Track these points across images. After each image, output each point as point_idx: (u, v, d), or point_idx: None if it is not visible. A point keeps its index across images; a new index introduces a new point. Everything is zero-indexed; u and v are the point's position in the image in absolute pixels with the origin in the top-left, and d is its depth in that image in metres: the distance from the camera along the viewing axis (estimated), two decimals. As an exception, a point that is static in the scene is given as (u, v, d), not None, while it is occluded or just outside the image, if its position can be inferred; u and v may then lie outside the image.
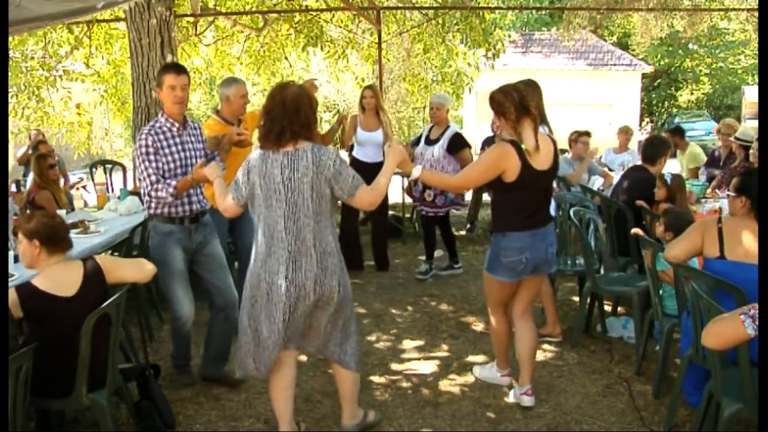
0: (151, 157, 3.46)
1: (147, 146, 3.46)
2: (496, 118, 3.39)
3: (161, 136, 3.52)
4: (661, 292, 3.65)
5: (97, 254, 3.58)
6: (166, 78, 3.51)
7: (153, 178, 3.44)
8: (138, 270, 3.08)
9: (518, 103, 3.19)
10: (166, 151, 3.52)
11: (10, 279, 3.32)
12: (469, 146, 5.74)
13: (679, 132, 7.59)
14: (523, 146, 3.20)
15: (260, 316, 2.86)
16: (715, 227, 2.99)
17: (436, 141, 5.64)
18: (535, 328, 3.58)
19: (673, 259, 3.13)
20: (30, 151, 7.80)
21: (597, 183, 6.67)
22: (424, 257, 6.09)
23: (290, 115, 2.79)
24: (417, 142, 5.96)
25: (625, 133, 7.90)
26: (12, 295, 2.74)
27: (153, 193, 3.46)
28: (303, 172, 2.77)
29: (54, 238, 2.84)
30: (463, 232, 7.78)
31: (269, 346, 2.88)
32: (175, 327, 3.73)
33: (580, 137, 6.63)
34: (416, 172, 3.30)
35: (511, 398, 3.60)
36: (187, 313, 3.64)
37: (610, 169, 7.33)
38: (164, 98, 3.57)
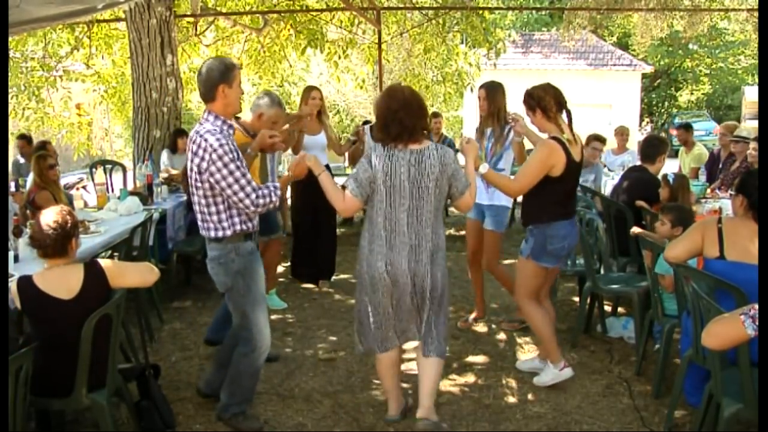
0: (238, 163, 2.93)
1: (231, 151, 2.91)
2: (530, 113, 3.55)
3: (231, 139, 3.04)
4: (660, 290, 3.65)
5: (98, 255, 3.59)
6: (237, 76, 3.06)
7: (253, 184, 2.97)
8: (142, 276, 3.03)
9: (557, 98, 3.48)
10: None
11: (10, 279, 3.32)
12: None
13: (689, 128, 7.59)
14: (564, 136, 3.43)
15: (385, 302, 3.06)
16: (715, 227, 2.99)
17: None
18: (554, 309, 3.93)
19: (674, 260, 3.13)
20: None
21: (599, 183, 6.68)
22: None
23: (417, 113, 2.98)
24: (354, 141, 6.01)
25: (621, 134, 7.91)
26: (12, 286, 2.75)
27: (260, 201, 2.97)
28: (429, 169, 2.95)
29: (41, 248, 2.80)
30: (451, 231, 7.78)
31: (393, 329, 3.13)
32: (247, 361, 3.20)
33: (592, 141, 6.62)
34: (483, 168, 3.42)
35: (543, 381, 3.70)
36: (267, 344, 3.24)
37: (610, 170, 7.35)
38: (234, 99, 3.06)
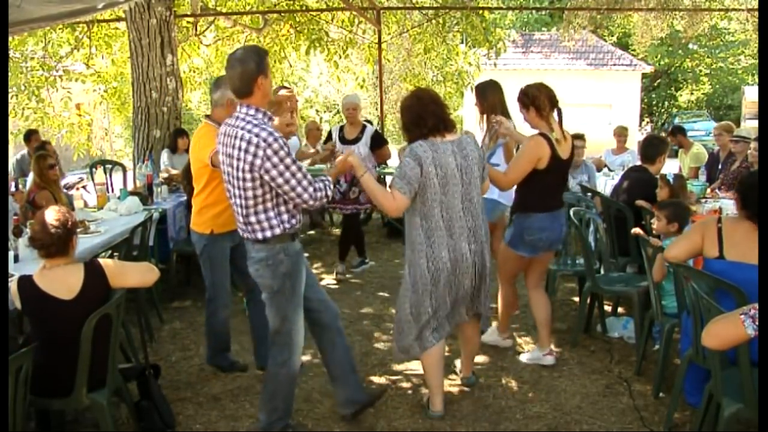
0: (292, 156, 2.82)
1: (284, 145, 2.79)
2: (524, 111, 3.75)
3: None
4: (660, 288, 3.65)
5: (98, 255, 3.59)
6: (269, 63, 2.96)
7: (309, 177, 2.86)
8: (142, 276, 3.03)
9: (549, 97, 3.68)
10: None
11: (9, 279, 3.32)
12: (387, 142, 6.02)
13: (680, 131, 7.59)
14: (552, 135, 3.63)
15: (444, 292, 3.20)
16: (715, 227, 2.99)
17: (357, 140, 5.82)
18: (547, 296, 4.07)
19: (673, 259, 3.13)
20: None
21: (599, 183, 6.68)
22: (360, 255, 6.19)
23: (442, 108, 3.19)
24: (328, 140, 6.02)
25: (619, 134, 7.91)
26: (12, 286, 2.75)
27: (318, 194, 2.86)
28: (471, 155, 3.17)
29: (42, 248, 2.80)
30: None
31: (447, 317, 3.30)
32: (285, 371, 3.08)
33: (573, 141, 6.59)
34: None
35: (524, 359, 4.04)
36: (302, 345, 3.15)
37: (610, 170, 7.35)
38: (270, 89, 2.99)
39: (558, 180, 3.80)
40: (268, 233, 2.88)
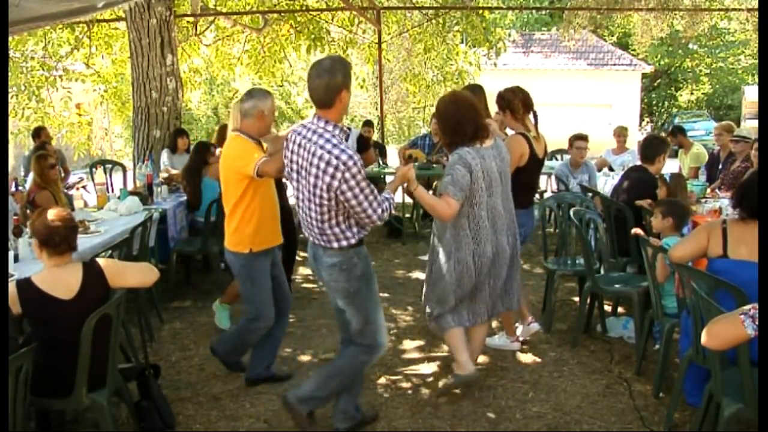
0: (365, 177, 2.85)
1: (361, 167, 2.82)
2: (501, 113, 4.10)
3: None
4: (660, 288, 3.65)
5: (98, 255, 3.58)
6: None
7: (378, 197, 2.90)
8: (142, 276, 3.03)
9: (524, 101, 3.97)
10: None
11: (9, 279, 3.32)
12: (371, 146, 5.99)
13: (680, 131, 7.58)
14: (530, 134, 3.95)
15: (482, 281, 3.45)
16: (720, 228, 3.03)
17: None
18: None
19: (678, 260, 3.14)
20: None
21: (599, 183, 6.68)
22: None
23: (479, 114, 3.37)
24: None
25: (619, 135, 7.91)
26: (11, 289, 2.74)
27: (384, 215, 2.91)
28: (506, 159, 3.45)
29: (49, 243, 2.80)
30: None
31: (486, 301, 3.53)
32: (365, 359, 3.16)
33: (575, 141, 6.61)
34: None
35: (492, 343, 4.20)
36: (386, 341, 3.21)
37: (611, 170, 7.34)
38: (348, 104, 2.98)
39: (533, 177, 4.20)
40: (344, 243, 2.93)
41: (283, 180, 3.14)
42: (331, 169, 2.75)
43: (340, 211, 2.88)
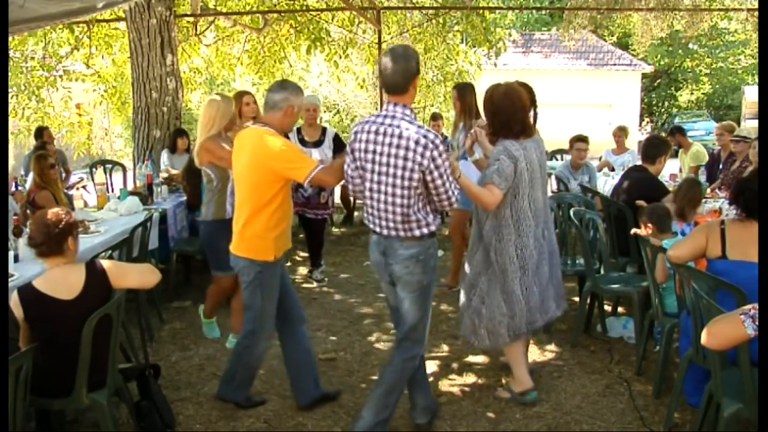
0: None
1: (446, 148, 2.89)
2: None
3: None
4: (661, 288, 3.65)
5: (98, 255, 3.59)
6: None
7: (454, 181, 2.96)
8: (143, 277, 3.02)
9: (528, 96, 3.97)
10: None
11: (10, 279, 3.32)
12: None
13: (679, 131, 7.58)
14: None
15: (530, 279, 3.34)
16: (718, 228, 3.03)
17: (320, 142, 5.62)
18: None
19: (676, 260, 3.14)
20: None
21: (599, 183, 6.68)
22: (314, 265, 5.95)
23: (526, 114, 3.39)
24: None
25: (619, 135, 7.90)
26: (14, 296, 2.74)
27: (458, 198, 2.99)
28: (545, 152, 3.48)
29: (46, 245, 2.79)
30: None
31: (538, 304, 3.38)
32: (411, 365, 3.09)
33: (575, 143, 6.60)
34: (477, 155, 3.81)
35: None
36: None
37: (611, 169, 7.35)
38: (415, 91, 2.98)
39: None
40: (425, 230, 2.94)
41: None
42: (420, 148, 2.78)
43: (422, 196, 2.90)
